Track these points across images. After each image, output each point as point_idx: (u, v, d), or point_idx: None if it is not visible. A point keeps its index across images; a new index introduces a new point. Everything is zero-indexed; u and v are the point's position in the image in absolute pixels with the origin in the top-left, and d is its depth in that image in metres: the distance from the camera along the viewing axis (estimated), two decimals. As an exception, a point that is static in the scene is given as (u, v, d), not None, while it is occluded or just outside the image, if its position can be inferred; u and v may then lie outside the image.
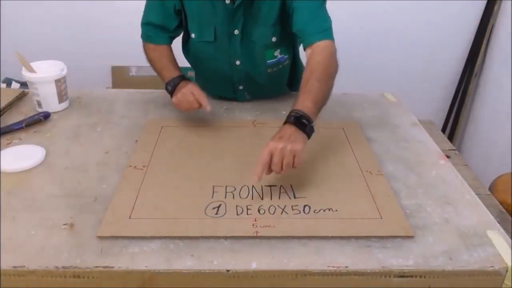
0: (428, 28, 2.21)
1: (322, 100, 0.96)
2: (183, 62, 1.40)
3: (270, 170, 0.85)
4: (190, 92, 1.07)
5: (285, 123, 0.91)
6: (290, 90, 1.37)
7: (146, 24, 1.22)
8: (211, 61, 1.24)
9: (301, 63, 1.37)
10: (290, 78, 1.35)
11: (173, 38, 1.25)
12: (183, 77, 1.14)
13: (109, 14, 2.12)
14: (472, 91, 2.28)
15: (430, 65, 2.30)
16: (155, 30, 1.21)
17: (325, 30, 1.09)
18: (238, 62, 1.22)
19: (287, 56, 1.25)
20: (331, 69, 1.02)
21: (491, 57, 2.17)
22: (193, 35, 1.21)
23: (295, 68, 1.34)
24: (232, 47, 1.19)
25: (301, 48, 1.27)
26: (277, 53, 1.22)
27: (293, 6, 1.09)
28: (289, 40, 1.23)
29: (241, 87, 1.28)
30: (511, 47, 1.98)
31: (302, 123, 0.89)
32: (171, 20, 1.20)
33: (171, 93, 1.12)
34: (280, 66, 1.25)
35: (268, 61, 1.22)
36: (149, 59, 1.23)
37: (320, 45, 1.06)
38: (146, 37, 1.23)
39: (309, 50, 1.07)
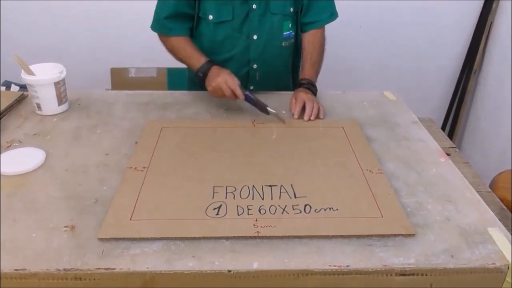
0: (427, 26, 2.21)
1: (319, 70, 1.33)
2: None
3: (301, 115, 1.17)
4: (224, 82, 1.12)
5: (299, 87, 1.25)
6: (292, 84, 1.44)
7: (166, 18, 1.24)
8: (229, 41, 1.28)
9: (299, 46, 1.41)
10: (293, 62, 1.41)
11: (189, 29, 1.29)
12: (211, 62, 1.20)
13: (108, 15, 2.12)
14: (472, 88, 2.27)
15: (430, 63, 2.30)
16: (176, 22, 1.24)
17: (331, 15, 1.34)
18: (255, 37, 1.28)
19: (294, 33, 1.33)
20: (324, 45, 1.36)
21: (490, 54, 2.17)
22: (210, 17, 1.24)
23: (296, 52, 1.39)
24: (250, 21, 1.25)
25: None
26: (290, 25, 1.30)
27: None
28: (296, 17, 1.32)
29: (255, 66, 1.32)
30: (511, 44, 1.98)
31: (312, 89, 1.25)
32: (189, 8, 1.24)
33: (203, 80, 1.19)
34: (290, 42, 1.33)
35: (284, 33, 1.30)
36: (170, 49, 1.28)
37: (323, 28, 1.34)
38: (167, 30, 1.26)
39: (314, 30, 1.33)
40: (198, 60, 1.22)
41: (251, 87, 1.36)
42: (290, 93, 1.29)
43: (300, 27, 1.35)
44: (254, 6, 1.23)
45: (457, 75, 2.33)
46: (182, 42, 1.26)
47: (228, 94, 1.13)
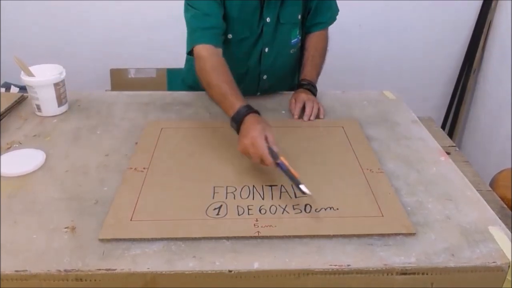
0: (427, 25, 2.21)
1: (320, 71, 1.31)
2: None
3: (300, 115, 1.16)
4: (251, 145, 0.88)
5: (299, 87, 1.24)
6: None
7: (208, 28, 1.12)
8: (243, 57, 1.27)
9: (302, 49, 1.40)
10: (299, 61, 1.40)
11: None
12: (247, 107, 0.98)
13: (107, 16, 2.12)
14: (471, 87, 2.28)
15: (429, 62, 2.30)
16: (217, 33, 1.14)
17: (334, 13, 1.33)
18: (267, 49, 1.26)
19: (300, 37, 1.33)
20: (327, 46, 1.34)
21: (489, 53, 2.17)
22: (230, 36, 1.22)
23: (300, 53, 1.38)
24: (264, 35, 1.24)
25: None
26: (298, 32, 1.30)
27: None
28: (301, 21, 1.31)
29: (265, 77, 1.32)
30: (511, 42, 1.98)
31: (312, 89, 1.24)
32: (222, 24, 1.16)
33: (237, 131, 0.97)
34: (297, 47, 1.33)
35: (292, 41, 1.29)
36: (207, 83, 1.08)
37: (326, 29, 1.34)
38: (211, 39, 1.11)
39: (319, 32, 1.32)
40: (232, 105, 0.98)
41: (258, 94, 1.34)
42: (290, 93, 1.29)
43: (305, 29, 1.34)
44: (268, 20, 1.22)
45: (457, 74, 2.33)
46: (219, 70, 1.07)
47: (255, 162, 0.89)
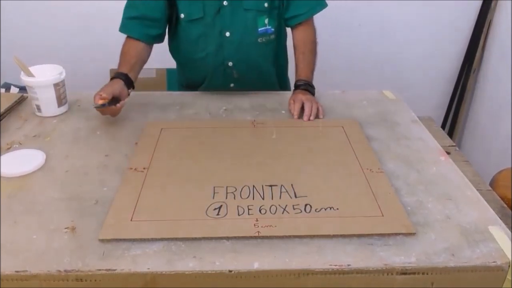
0: (426, 25, 2.21)
1: (314, 67, 1.31)
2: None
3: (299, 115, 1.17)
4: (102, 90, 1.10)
5: (296, 88, 1.25)
6: (278, 81, 1.43)
7: (129, 18, 1.26)
8: (202, 39, 1.27)
9: (283, 44, 1.40)
10: (278, 59, 1.39)
11: (154, 38, 1.27)
12: (120, 74, 1.19)
13: (107, 16, 2.11)
14: (471, 86, 2.28)
15: (429, 61, 2.30)
16: (139, 25, 1.24)
17: (315, 5, 1.29)
18: (228, 34, 1.25)
19: (273, 29, 1.29)
20: (316, 39, 1.32)
21: (489, 53, 2.17)
22: (182, 16, 1.23)
23: (279, 48, 1.37)
24: (222, 18, 1.23)
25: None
26: (267, 21, 1.27)
27: None
28: (276, 12, 1.28)
29: (230, 63, 1.30)
30: (510, 42, 1.98)
31: (310, 89, 1.25)
32: (158, 11, 1.22)
33: None
34: (268, 38, 1.30)
35: (259, 29, 1.27)
36: (121, 53, 1.27)
37: (309, 21, 1.31)
38: (126, 30, 1.27)
39: (303, 26, 1.30)
40: (117, 70, 1.22)
41: (232, 85, 1.34)
42: (289, 93, 1.29)
43: (284, 23, 1.32)
44: (225, 3, 1.21)
45: (457, 74, 2.33)
46: (130, 47, 1.27)
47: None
